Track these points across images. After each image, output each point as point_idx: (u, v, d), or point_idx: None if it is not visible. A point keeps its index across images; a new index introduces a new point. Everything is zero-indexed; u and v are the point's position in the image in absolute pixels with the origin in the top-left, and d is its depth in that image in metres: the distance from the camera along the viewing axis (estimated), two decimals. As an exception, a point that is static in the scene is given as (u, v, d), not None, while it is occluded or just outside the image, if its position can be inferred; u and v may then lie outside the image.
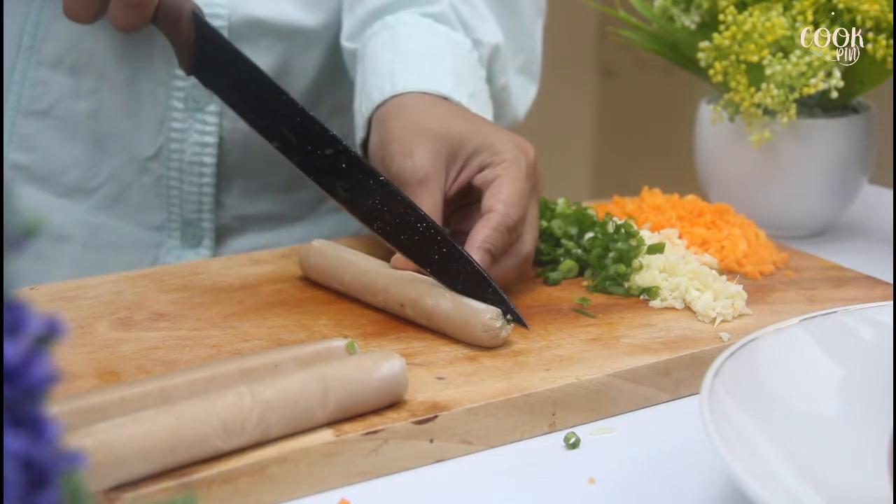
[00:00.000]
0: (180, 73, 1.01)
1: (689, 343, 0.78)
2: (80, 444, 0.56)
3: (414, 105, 0.89)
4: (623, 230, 0.90)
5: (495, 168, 0.84)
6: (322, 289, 0.87)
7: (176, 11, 0.84)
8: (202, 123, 1.03)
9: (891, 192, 1.25)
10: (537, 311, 0.83)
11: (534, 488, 0.65)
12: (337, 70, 1.07)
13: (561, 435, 0.71)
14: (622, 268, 0.87)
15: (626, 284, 0.87)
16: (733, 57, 1.01)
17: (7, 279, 0.35)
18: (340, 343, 0.70)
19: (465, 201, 0.88)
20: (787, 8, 1.02)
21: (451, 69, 0.94)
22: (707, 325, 0.82)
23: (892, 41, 0.99)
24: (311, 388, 0.64)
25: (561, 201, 0.96)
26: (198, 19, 0.84)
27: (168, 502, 0.40)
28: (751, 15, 1.00)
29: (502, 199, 0.82)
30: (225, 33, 1.00)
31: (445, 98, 0.91)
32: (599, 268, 0.88)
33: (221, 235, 1.08)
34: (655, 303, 0.85)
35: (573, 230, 0.92)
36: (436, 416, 0.67)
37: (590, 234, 0.92)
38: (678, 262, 0.87)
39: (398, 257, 0.81)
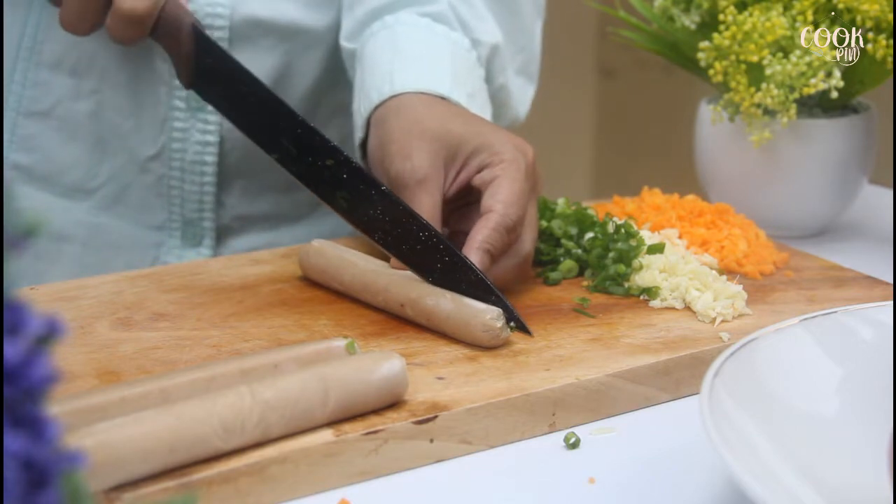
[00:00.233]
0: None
1: (689, 343, 0.78)
2: (80, 444, 0.56)
3: (412, 105, 0.89)
4: (623, 230, 0.90)
5: (494, 168, 0.84)
6: (322, 289, 0.87)
7: (176, 25, 0.82)
8: (204, 123, 1.03)
9: (891, 192, 1.25)
10: (537, 311, 0.83)
11: (534, 488, 0.65)
12: (338, 71, 1.07)
13: (561, 435, 0.70)
14: (622, 268, 0.87)
15: (626, 284, 0.87)
16: (733, 57, 1.01)
17: (7, 279, 0.36)
18: (340, 343, 0.70)
19: (465, 201, 0.87)
20: (787, 8, 1.02)
21: (450, 69, 0.94)
22: (707, 325, 0.82)
23: (892, 41, 0.99)
24: (311, 388, 0.64)
25: (561, 201, 0.96)
26: (197, 32, 0.82)
27: (168, 502, 0.40)
28: (751, 15, 1.00)
29: (501, 200, 0.82)
30: (226, 33, 1.00)
31: (444, 98, 0.91)
32: (599, 268, 0.88)
33: (222, 235, 1.08)
34: (655, 303, 0.85)
35: (573, 230, 0.92)
36: (436, 416, 0.67)
37: (590, 234, 0.91)
38: (678, 262, 0.87)
39: (398, 257, 0.82)
